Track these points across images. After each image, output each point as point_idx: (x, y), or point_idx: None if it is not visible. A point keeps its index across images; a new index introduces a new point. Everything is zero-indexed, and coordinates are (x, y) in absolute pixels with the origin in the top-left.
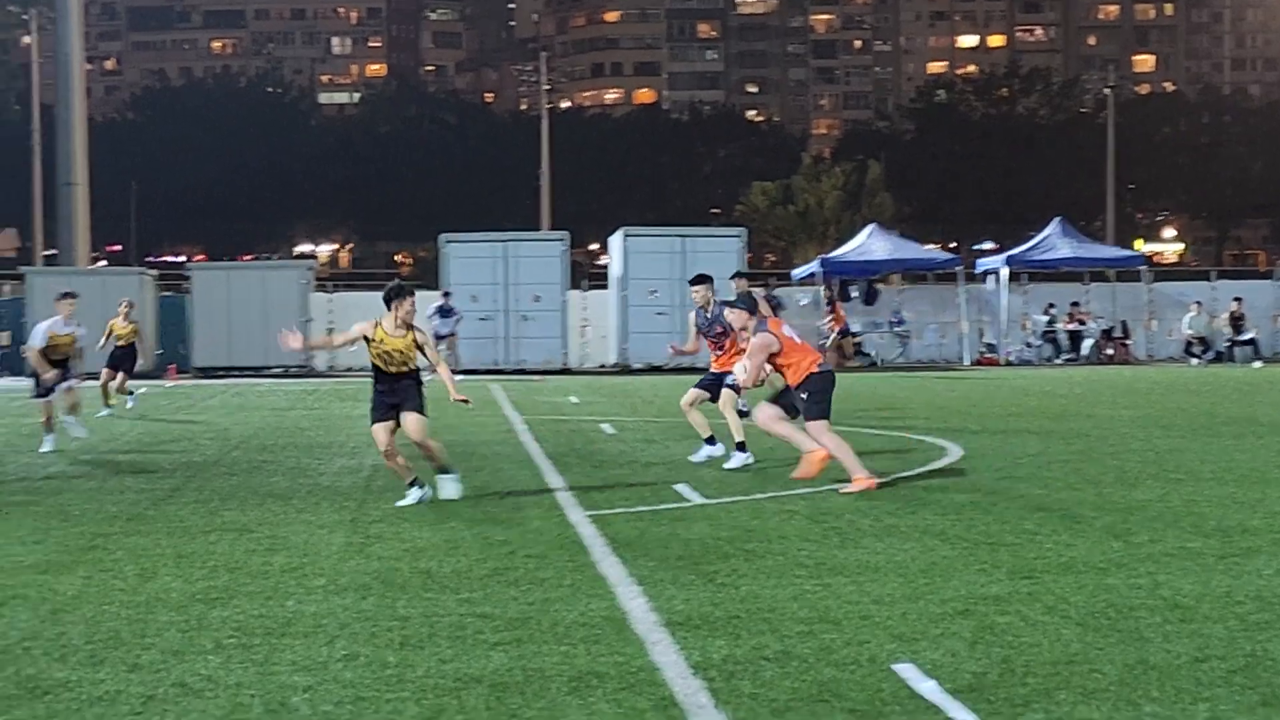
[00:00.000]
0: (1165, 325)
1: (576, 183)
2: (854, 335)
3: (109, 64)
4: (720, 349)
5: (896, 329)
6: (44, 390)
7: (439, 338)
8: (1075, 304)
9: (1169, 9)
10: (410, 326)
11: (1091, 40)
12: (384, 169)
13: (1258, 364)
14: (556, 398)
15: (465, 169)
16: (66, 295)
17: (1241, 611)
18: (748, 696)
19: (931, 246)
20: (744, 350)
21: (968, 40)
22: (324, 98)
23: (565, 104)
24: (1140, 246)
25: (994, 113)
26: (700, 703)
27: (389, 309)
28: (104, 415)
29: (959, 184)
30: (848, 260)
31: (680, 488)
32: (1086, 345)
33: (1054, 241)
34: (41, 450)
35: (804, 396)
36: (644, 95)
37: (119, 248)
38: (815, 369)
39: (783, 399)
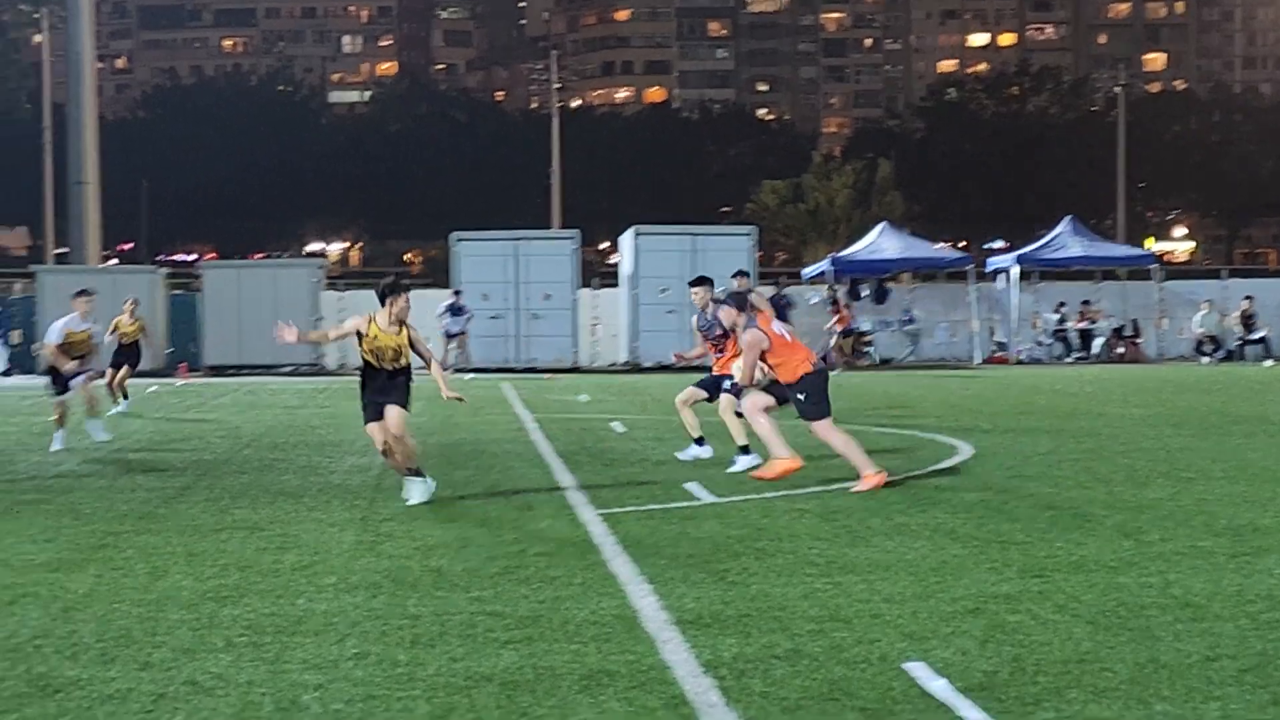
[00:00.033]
0: (1176, 324)
1: (587, 181)
2: (865, 334)
3: (120, 62)
4: (720, 351)
5: (907, 327)
6: (61, 388)
7: (450, 336)
8: (1086, 302)
9: (1180, 7)
10: (403, 324)
11: (1102, 39)
12: (395, 167)
13: (1269, 362)
14: (567, 396)
15: (476, 167)
16: (83, 293)
17: (1253, 610)
18: (758, 695)
19: (942, 245)
20: (787, 370)
21: (978, 39)
22: (335, 96)
23: (576, 102)
24: (1151, 245)
25: (1004, 111)
26: (711, 701)
27: (383, 305)
28: (115, 413)
29: (970, 182)
30: (858, 259)
31: (691, 486)
32: (1097, 344)
33: (1065, 240)
34: (52, 449)
35: (801, 398)
36: (654, 94)
37: (130, 246)
38: (809, 368)
39: (774, 389)
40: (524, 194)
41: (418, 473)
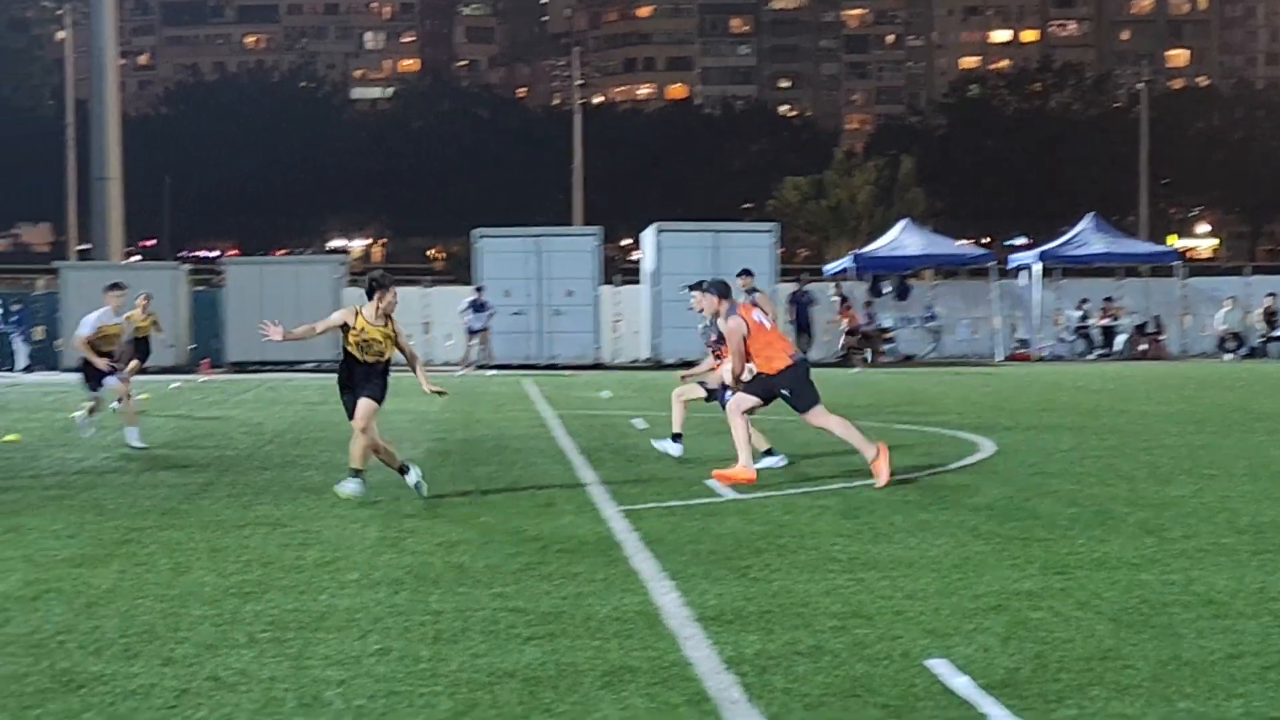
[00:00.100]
0: (1199, 321)
1: (609, 178)
2: (886, 331)
3: (143, 59)
4: (719, 357)
5: (929, 324)
6: (95, 385)
7: (472, 332)
8: (1108, 299)
9: (1203, 3)
10: (389, 318)
11: (1125, 35)
12: (417, 164)
13: None
14: (589, 392)
15: (498, 164)
16: (115, 286)
17: (1275, 608)
18: (780, 691)
19: (964, 242)
20: (764, 360)
21: (1001, 35)
22: (357, 93)
23: (598, 99)
24: (1174, 242)
25: (1027, 108)
26: (733, 698)
27: (370, 298)
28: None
29: (992, 179)
30: (880, 256)
31: (712, 482)
32: (1119, 341)
33: (1087, 237)
34: (81, 434)
35: (786, 394)
36: (676, 90)
37: (153, 242)
38: (788, 360)
39: (760, 389)
40: (546, 190)
41: (358, 473)
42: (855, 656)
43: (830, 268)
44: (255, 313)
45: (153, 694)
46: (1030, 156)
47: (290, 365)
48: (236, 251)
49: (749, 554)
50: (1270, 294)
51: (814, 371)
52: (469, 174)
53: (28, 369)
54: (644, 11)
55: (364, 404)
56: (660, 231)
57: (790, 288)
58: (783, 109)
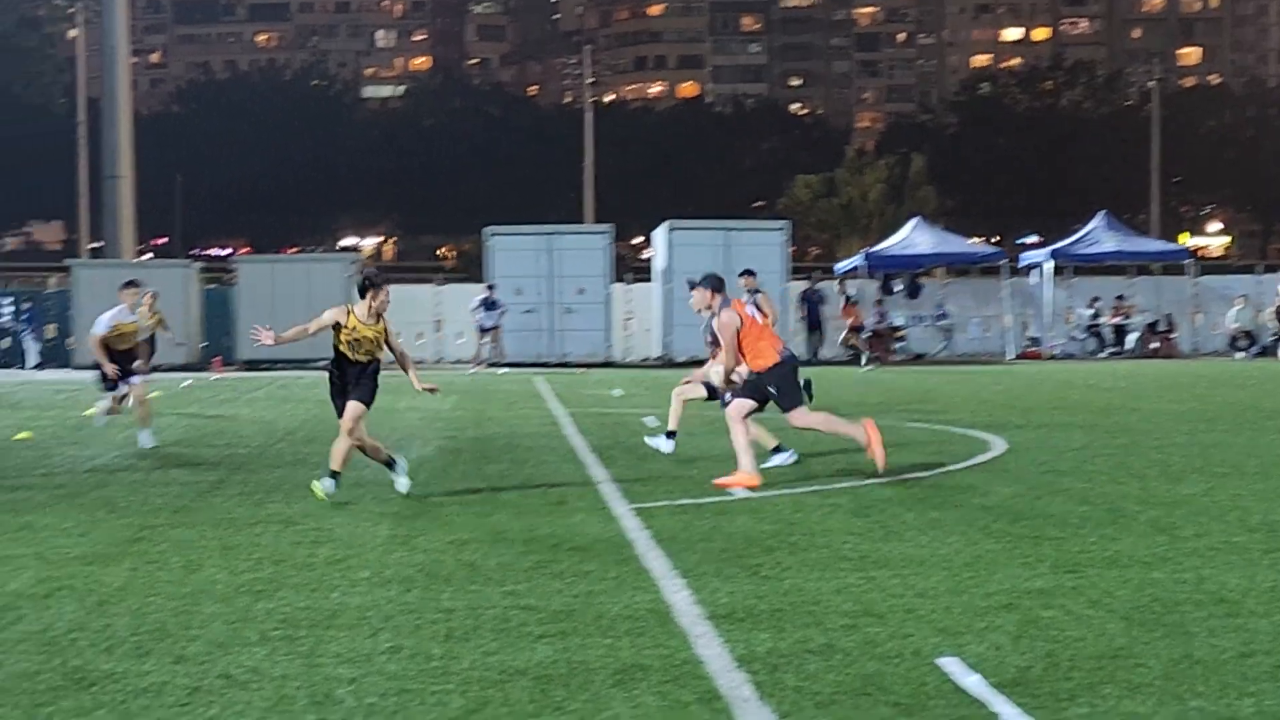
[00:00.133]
0: (1210, 319)
1: (620, 176)
2: (898, 329)
3: (154, 57)
4: (716, 358)
5: (940, 322)
6: (111, 385)
7: (484, 330)
8: (1120, 298)
9: (1214, 1)
10: (381, 317)
11: (1136, 33)
12: (428, 162)
13: None
14: (600, 390)
15: (509, 162)
16: (131, 284)
17: None
18: (791, 689)
19: (975, 240)
20: (753, 356)
21: (1012, 33)
22: (368, 91)
23: (609, 97)
24: (1185, 240)
25: (1038, 106)
26: (744, 696)
27: (362, 297)
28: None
29: (1003, 177)
30: (891, 254)
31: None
32: (1131, 339)
33: (1098, 235)
34: (95, 423)
35: (773, 391)
36: (687, 89)
37: (165, 240)
38: (777, 358)
39: (756, 392)
40: (557, 188)
41: (335, 475)
42: (866, 655)
43: (842, 266)
44: (267, 311)
45: (164, 692)
46: (1041, 155)
47: (302, 363)
48: (248, 249)
49: (760, 552)
50: None
51: (826, 370)
52: (480, 172)
53: (39, 367)
54: (655, 10)
55: (353, 406)
56: (672, 229)
57: (802, 286)
58: (794, 107)
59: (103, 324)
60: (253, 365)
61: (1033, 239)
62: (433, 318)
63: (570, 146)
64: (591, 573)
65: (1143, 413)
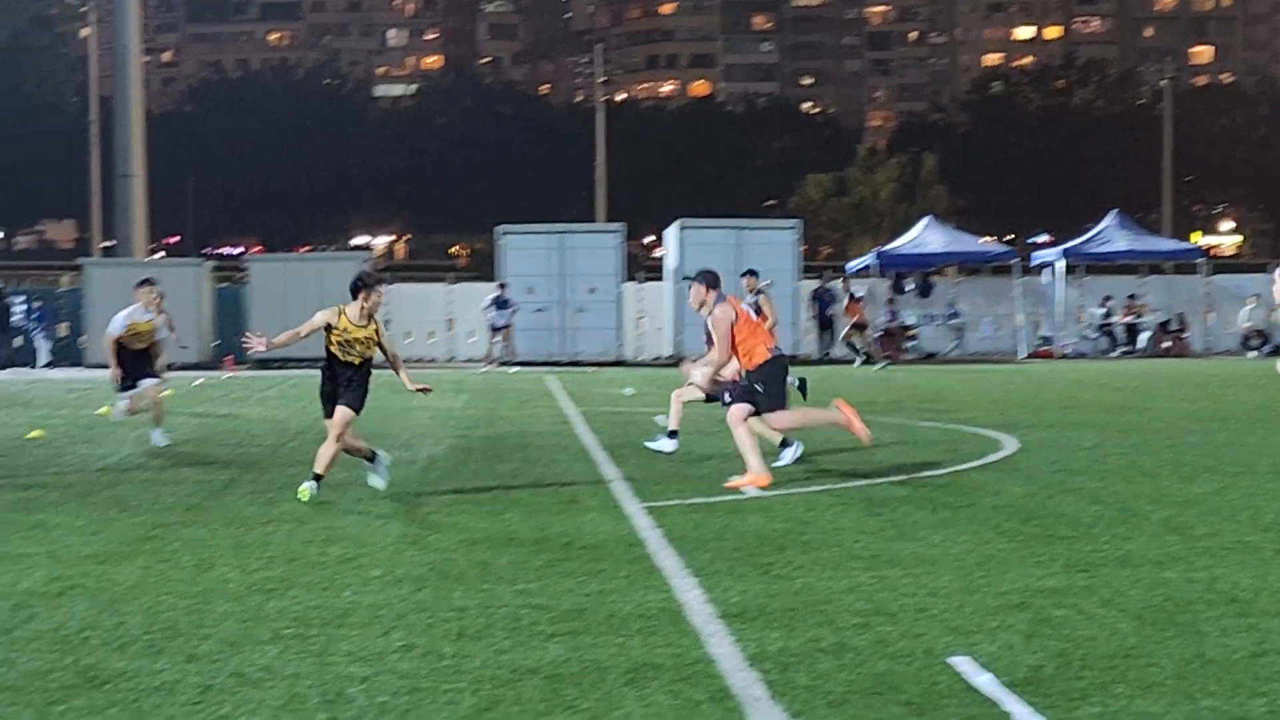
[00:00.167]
0: (1222, 318)
1: (632, 175)
2: (909, 328)
3: (166, 56)
4: None
5: (951, 321)
6: (129, 385)
7: (495, 329)
8: (1132, 297)
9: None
10: (372, 318)
11: (1148, 31)
12: (440, 161)
13: None
14: (612, 389)
15: (521, 161)
16: (146, 282)
17: None
18: (803, 688)
19: (986, 239)
20: (744, 352)
21: (1024, 32)
22: (380, 90)
23: (620, 96)
24: (1197, 239)
25: (1050, 105)
26: (756, 695)
27: (355, 298)
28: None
29: (1014, 176)
30: (903, 253)
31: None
32: (1143, 338)
33: (1110, 234)
34: (111, 418)
35: (759, 389)
36: (699, 87)
37: (177, 239)
38: (768, 355)
39: (753, 395)
40: (569, 187)
41: (319, 477)
42: (878, 654)
43: (853, 265)
44: (279, 309)
45: (177, 690)
46: (1053, 154)
47: (314, 362)
48: (260, 248)
49: (771, 551)
50: None
51: (837, 370)
52: (492, 171)
53: (50, 365)
54: (667, 8)
55: (342, 412)
56: (683, 228)
57: (813, 285)
58: (805, 106)
59: (118, 324)
60: (264, 364)
61: (1044, 238)
62: (445, 316)
63: (582, 145)
64: (603, 571)
65: (1155, 412)
